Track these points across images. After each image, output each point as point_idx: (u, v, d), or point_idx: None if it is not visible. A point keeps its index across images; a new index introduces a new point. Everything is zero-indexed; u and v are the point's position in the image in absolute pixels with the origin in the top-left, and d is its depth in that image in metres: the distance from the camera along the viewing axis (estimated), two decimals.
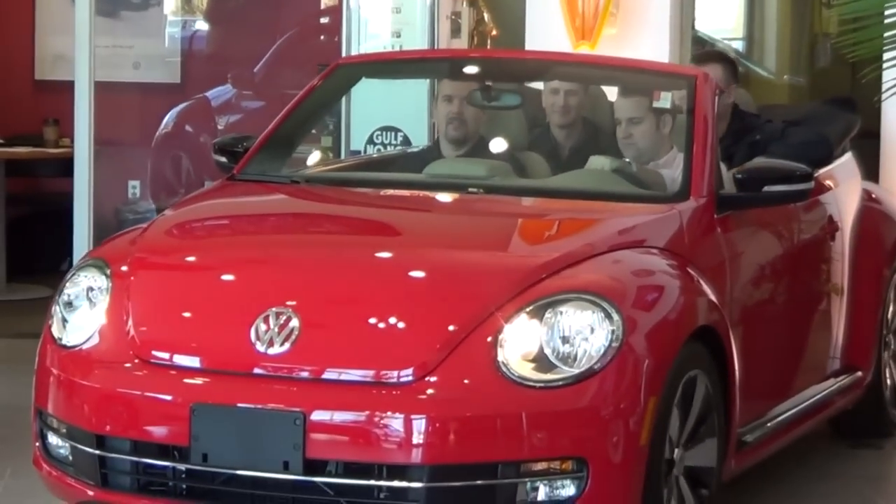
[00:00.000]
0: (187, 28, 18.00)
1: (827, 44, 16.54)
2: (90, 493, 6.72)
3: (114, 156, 15.09)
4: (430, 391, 6.29)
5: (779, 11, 19.70)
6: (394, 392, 6.34)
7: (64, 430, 6.90)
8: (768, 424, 8.23)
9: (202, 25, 18.02)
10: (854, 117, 10.53)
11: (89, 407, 6.70)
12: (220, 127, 16.62)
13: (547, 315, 6.42)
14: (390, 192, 8.75)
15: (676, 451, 6.81)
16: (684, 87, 8.66)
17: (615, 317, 6.39)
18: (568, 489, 6.29)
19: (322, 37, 17.57)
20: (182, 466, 6.47)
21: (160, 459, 6.53)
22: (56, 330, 7.12)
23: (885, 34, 10.28)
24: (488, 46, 13.90)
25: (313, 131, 12.08)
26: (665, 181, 8.37)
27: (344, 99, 13.23)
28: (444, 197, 8.52)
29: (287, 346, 6.45)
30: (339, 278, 7.10)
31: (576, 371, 6.29)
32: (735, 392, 7.32)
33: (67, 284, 7.23)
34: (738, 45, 19.59)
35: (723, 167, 8.36)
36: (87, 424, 6.67)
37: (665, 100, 8.76)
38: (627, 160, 8.74)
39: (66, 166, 14.74)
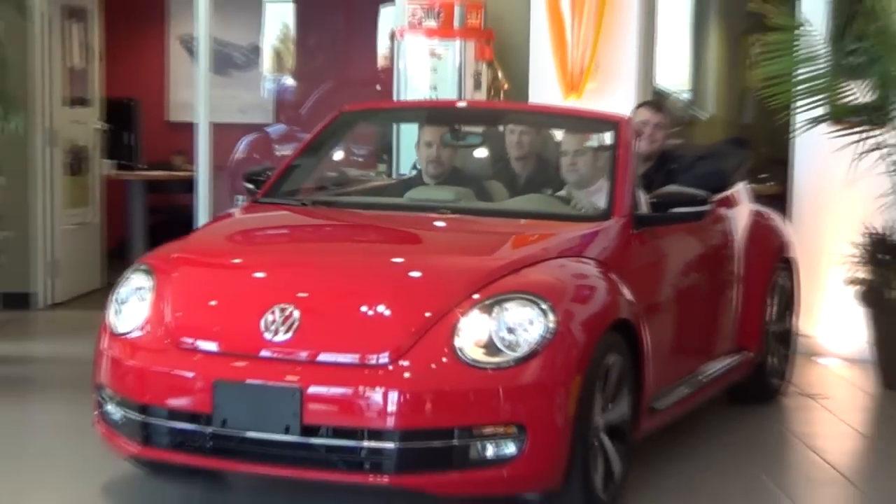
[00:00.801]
0: (278, 83, 18.37)
1: (751, 95, 16.95)
2: (135, 450, 7.16)
3: (224, 177, 15.22)
4: (401, 371, 6.61)
5: (717, 71, 19.62)
6: (373, 372, 6.65)
7: (116, 400, 7.29)
8: (675, 394, 8.49)
9: (289, 81, 18.29)
10: (746, 153, 10.99)
11: (134, 382, 7.18)
12: (277, 154, 16.32)
13: (495, 310, 6.76)
14: (377, 212, 8.90)
15: (598, 416, 7.06)
16: (612, 130, 8.87)
17: (549, 313, 6.72)
18: (510, 448, 6.59)
19: (357, 86, 17.23)
20: (207, 429, 6.80)
21: (189, 424, 6.89)
22: (111, 320, 7.53)
23: (795, 90, 11.29)
24: (501, 98, 13.52)
25: (360, 159, 12.44)
26: (592, 201, 8.57)
27: (394, 135, 13.53)
28: (420, 216, 8.61)
29: (289, 334, 6.83)
30: (332, 280, 7.47)
31: (517, 355, 6.61)
32: (646, 370, 7.62)
33: (121, 284, 7.70)
34: (686, 95, 19.12)
35: (641, 193, 8.54)
36: (133, 396, 7.15)
37: (595, 140, 9.11)
38: (563, 192, 8.93)
39: (189, 185, 14.88)
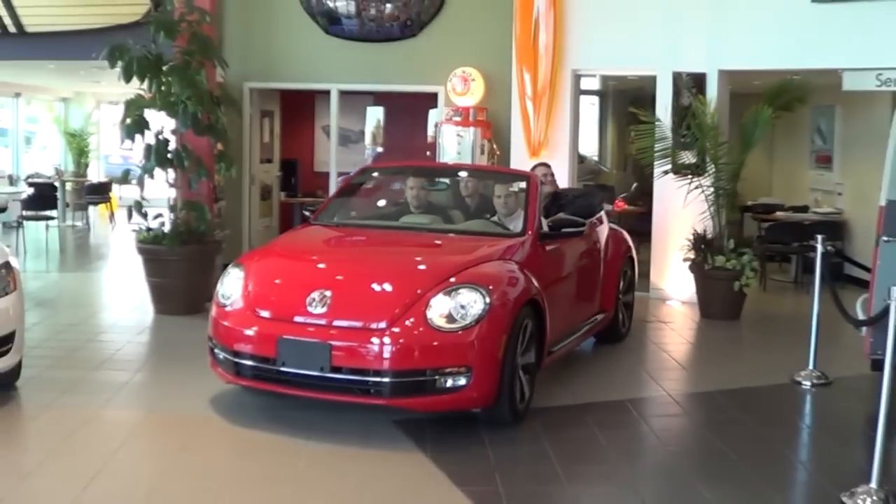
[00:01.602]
0: (374, 150, 18.44)
1: (632, 158, 17.26)
2: (231, 378, 7.40)
3: None
4: (393, 333, 6.81)
5: (612, 144, 19.91)
6: (375, 333, 6.83)
7: (219, 347, 7.46)
8: (564, 342, 8.60)
9: (379, 149, 18.37)
10: (607, 193, 11.64)
11: (229, 335, 7.33)
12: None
13: (453, 294, 6.98)
14: (381, 231, 8.89)
15: (518, 359, 7.18)
16: (525, 181, 8.98)
17: (487, 296, 6.95)
18: (462, 381, 6.80)
19: (416, 152, 17.35)
20: (273, 367, 7.01)
21: (262, 364, 7.10)
22: (219, 296, 7.64)
23: (655, 155, 11.73)
24: (495, 160, 13.98)
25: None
26: (513, 224, 8.60)
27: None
28: (408, 233, 8.65)
29: (324, 308, 7.02)
30: (352, 273, 7.57)
31: (466, 323, 6.85)
32: (546, 328, 7.75)
33: (226, 273, 7.80)
34: (596, 158, 19.74)
35: (543, 220, 8.67)
36: (228, 344, 7.33)
37: (516, 186, 9.02)
38: (494, 216, 8.97)
39: None
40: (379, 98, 18.36)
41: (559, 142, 13.60)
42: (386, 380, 6.81)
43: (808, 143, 16.88)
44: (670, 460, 6.90)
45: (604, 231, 10.21)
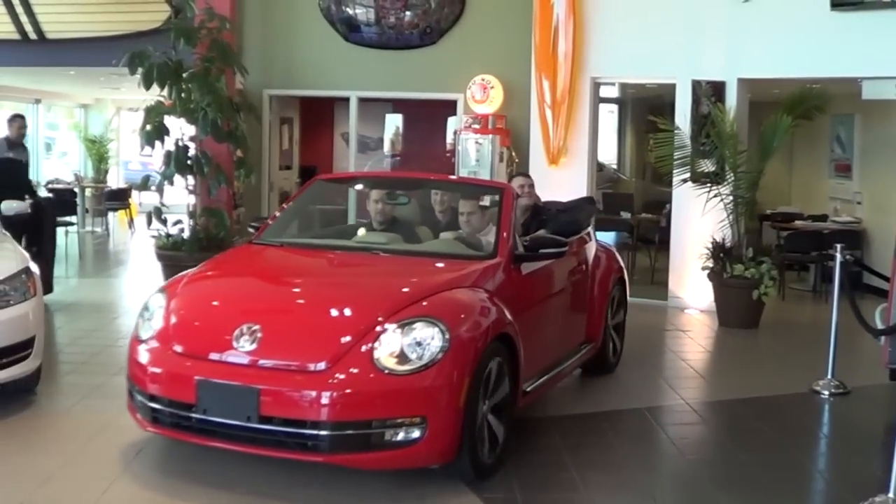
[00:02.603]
0: (392, 157, 18.50)
1: (651, 166, 17.13)
2: (147, 426, 6.34)
3: None
4: (333, 377, 5.77)
5: (631, 152, 19.85)
6: (312, 377, 5.81)
7: (136, 389, 6.40)
8: (542, 379, 7.45)
9: (397, 157, 18.44)
10: (594, 208, 10.03)
11: (145, 377, 6.29)
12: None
13: (407, 329, 5.92)
14: (330, 252, 7.61)
15: (483, 404, 6.16)
16: (498, 193, 7.85)
17: (446, 332, 5.88)
18: (416, 433, 5.80)
19: (435, 160, 17.43)
20: (193, 415, 5.95)
21: (181, 411, 6.03)
22: (137, 329, 6.61)
23: (673, 164, 11.68)
24: (514, 168, 13.70)
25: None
26: (483, 244, 7.51)
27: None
28: (360, 256, 7.52)
29: (253, 346, 5.97)
30: (287, 305, 6.58)
31: (421, 364, 5.80)
32: (520, 366, 6.63)
33: (146, 303, 6.76)
34: (615, 165, 19.70)
35: (519, 239, 7.58)
36: (144, 386, 6.28)
37: (486, 200, 8.09)
38: (461, 232, 7.96)
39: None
40: (398, 105, 18.42)
41: (578, 150, 13.60)
42: (324, 433, 5.81)
43: (828, 151, 16.88)
44: (688, 469, 6.88)
45: (591, 250, 9.20)
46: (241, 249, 8.11)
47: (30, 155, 13.29)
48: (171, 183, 12.25)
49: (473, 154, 14.00)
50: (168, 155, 12.12)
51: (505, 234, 7.37)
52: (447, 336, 5.94)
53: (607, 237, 15.30)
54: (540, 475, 6.55)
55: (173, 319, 6.48)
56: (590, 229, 9.37)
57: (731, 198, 11.90)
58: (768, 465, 6.82)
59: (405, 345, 5.92)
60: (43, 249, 11.57)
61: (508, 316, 6.59)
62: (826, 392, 8.81)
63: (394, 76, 14.86)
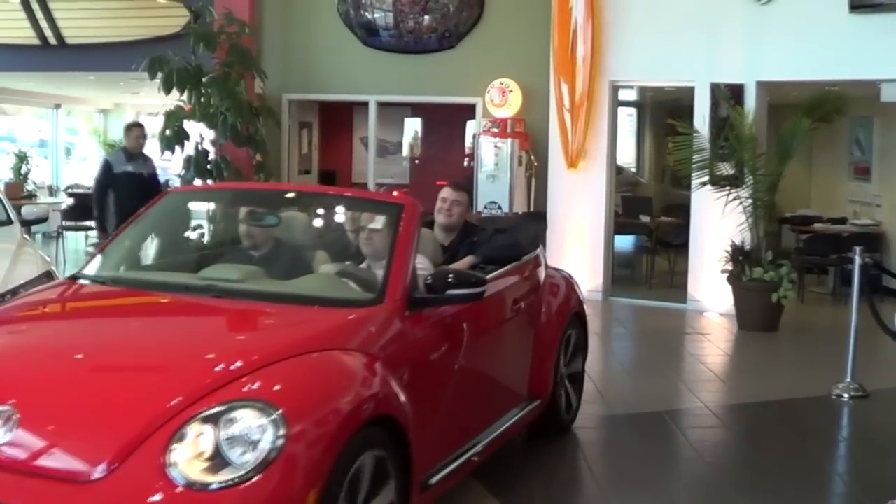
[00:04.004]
0: (411, 161, 18.71)
1: (669, 169, 17.06)
2: None
3: None
4: (108, 491, 3.80)
5: (650, 155, 19.69)
6: (80, 492, 3.81)
7: None
8: (454, 464, 5.48)
9: (417, 161, 18.63)
10: (543, 224, 8.47)
11: None
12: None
13: (223, 421, 3.93)
14: (157, 294, 5.45)
15: None
16: (395, 212, 5.66)
17: (281, 425, 3.92)
18: None
19: (453, 164, 17.60)
20: None
21: None
22: None
23: (692, 167, 11.73)
24: (533, 171, 13.94)
25: None
26: (378, 279, 5.37)
27: (479, 184, 13.56)
28: (189, 301, 5.33)
29: (9, 436, 3.98)
30: (62, 378, 4.35)
31: (243, 473, 3.86)
32: (414, 457, 4.75)
33: None
34: (633, 168, 19.60)
35: (424, 268, 5.79)
36: None
37: (378, 221, 5.89)
38: (349, 262, 5.91)
39: None
40: (416, 109, 18.44)
41: (597, 153, 13.60)
42: None
43: (847, 154, 16.85)
44: (707, 472, 6.87)
45: (539, 279, 7.25)
46: (50, 288, 6.15)
47: (154, 164, 12.17)
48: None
49: (492, 158, 14.02)
50: (188, 159, 12.18)
51: (398, 270, 5.29)
52: (281, 431, 3.97)
53: (626, 241, 15.39)
54: (559, 478, 6.56)
55: None
56: (539, 252, 7.45)
57: (750, 201, 11.89)
58: (787, 469, 6.81)
59: (221, 443, 3.94)
60: None
61: (395, 388, 4.70)
62: (845, 395, 8.77)
63: (412, 80, 14.91)
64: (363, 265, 5.88)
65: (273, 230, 6.22)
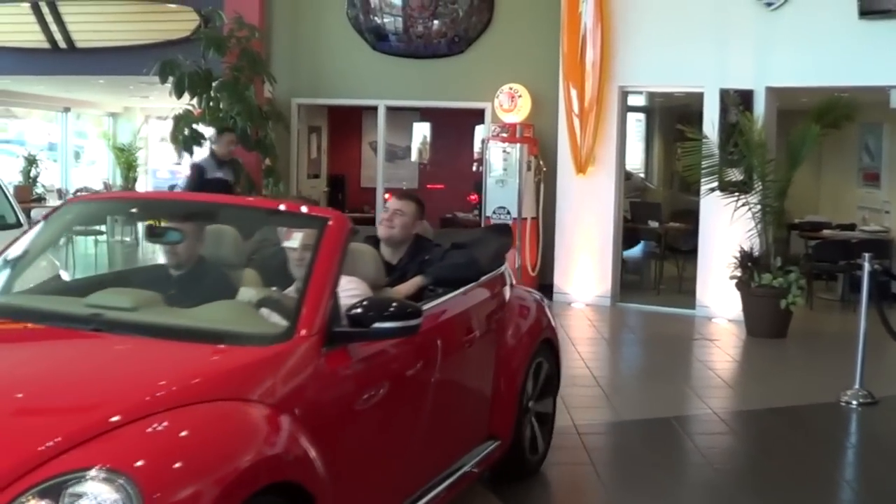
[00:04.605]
0: (420, 165, 18.69)
1: (678, 175, 17.07)
2: None
3: None
4: None
5: (659, 160, 19.73)
6: None
7: None
8: None
9: (427, 164, 18.66)
10: (505, 240, 6.93)
11: None
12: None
13: (63, 495, 3.10)
14: (35, 326, 4.47)
15: None
16: (315, 228, 4.74)
17: (135, 500, 3.10)
18: None
19: (461, 168, 17.71)
20: None
21: None
22: None
23: (701, 172, 11.73)
24: (542, 177, 13.96)
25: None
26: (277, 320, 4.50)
27: (488, 190, 13.96)
28: (70, 333, 4.37)
29: None
30: None
31: None
32: None
33: None
34: (642, 174, 19.52)
35: (359, 293, 4.92)
36: None
37: (295, 239, 5.02)
38: (274, 288, 4.99)
39: (371, 220, 13.32)
40: (425, 114, 18.47)
41: (606, 158, 13.61)
42: None
43: (856, 160, 16.88)
44: (716, 478, 6.86)
45: (501, 301, 6.32)
46: None
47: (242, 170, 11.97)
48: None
49: (500, 163, 14.06)
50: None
51: (314, 298, 4.36)
52: None
53: (634, 246, 15.34)
54: (567, 484, 6.58)
55: None
56: (504, 270, 6.57)
57: (759, 207, 11.87)
58: (796, 475, 6.81)
59: None
60: None
61: (304, 445, 3.88)
62: (854, 402, 8.75)
63: (422, 85, 14.93)
64: (291, 289, 4.85)
65: (197, 246, 5.25)
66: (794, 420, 8.33)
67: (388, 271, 5.87)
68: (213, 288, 5.03)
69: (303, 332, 4.21)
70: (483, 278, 6.10)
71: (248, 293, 4.91)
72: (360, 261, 5.33)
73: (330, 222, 4.76)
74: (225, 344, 4.19)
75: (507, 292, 6.44)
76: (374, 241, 6.12)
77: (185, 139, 12.29)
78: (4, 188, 10.44)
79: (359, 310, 4.41)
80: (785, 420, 8.31)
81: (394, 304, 4.54)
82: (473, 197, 17.33)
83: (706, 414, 8.38)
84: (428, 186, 18.41)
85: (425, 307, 5.02)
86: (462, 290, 5.79)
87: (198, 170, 11.67)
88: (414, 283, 5.82)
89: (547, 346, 6.66)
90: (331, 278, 4.47)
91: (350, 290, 4.91)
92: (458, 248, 6.24)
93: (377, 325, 4.36)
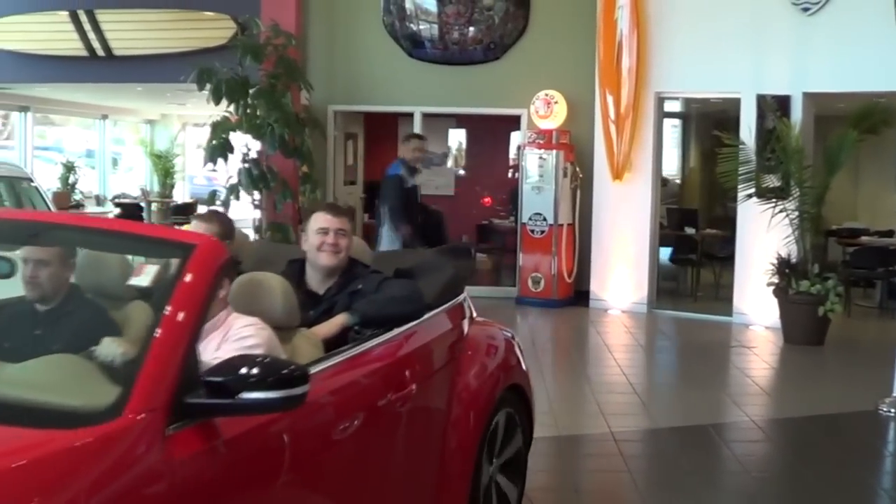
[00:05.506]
0: (456, 172, 18.52)
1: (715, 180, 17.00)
2: None
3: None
4: None
5: (697, 165, 19.60)
6: None
7: None
8: None
9: (461, 171, 18.58)
10: (467, 263, 6.01)
11: None
12: None
13: None
14: None
15: None
16: (177, 257, 3.48)
17: None
18: None
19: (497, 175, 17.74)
20: None
21: None
22: None
23: (738, 179, 11.75)
24: (578, 183, 13.99)
25: None
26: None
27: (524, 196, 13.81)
28: None
29: None
30: None
31: None
32: None
33: None
34: (678, 180, 19.67)
35: (243, 349, 3.76)
36: None
37: (147, 275, 4.04)
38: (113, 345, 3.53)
39: None
40: (461, 121, 18.46)
41: (642, 165, 13.64)
42: None
43: (894, 166, 16.77)
44: (753, 486, 6.85)
45: (451, 342, 5.17)
46: None
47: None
48: (238, 198, 12.42)
49: (537, 169, 14.09)
50: (240, 171, 12.34)
51: (157, 359, 3.17)
52: None
53: (664, 253, 15.25)
54: (603, 491, 6.58)
55: None
56: (464, 301, 5.53)
57: (796, 213, 11.86)
58: (832, 484, 6.79)
59: None
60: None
61: None
62: (892, 410, 8.69)
63: (457, 92, 14.96)
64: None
65: (64, 272, 4.10)
66: (831, 428, 8.30)
67: (314, 303, 4.84)
68: (82, 328, 3.94)
69: (135, 407, 2.99)
70: (429, 314, 4.93)
71: (114, 342, 3.60)
72: (265, 296, 4.28)
73: (195, 250, 3.51)
74: (21, 425, 2.91)
75: (466, 328, 5.35)
76: (299, 266, 5.04)
77: (213, 147, 12.35)
78: (43, 194, 10.56)
79: (217, 376, 3.17)
80: (822, 428, 8.28)
81: (266, 365, 3.22)
82: (487, 200, 17.50)
83: (743, 421, 8.36)
84: (470, 190, 18.38)
85: (331, 361, 3.99)
86: (399, 330, 4.63)
87: (400, 180, 11.39)
88: (335, 322, 4.66)
89: (514, 393, 5.44)
90: (188, 327, 3.26)
91: (245, 338, 3.91)
92: (401, 277, 5.12)
93: (246, 395, 3.13)
